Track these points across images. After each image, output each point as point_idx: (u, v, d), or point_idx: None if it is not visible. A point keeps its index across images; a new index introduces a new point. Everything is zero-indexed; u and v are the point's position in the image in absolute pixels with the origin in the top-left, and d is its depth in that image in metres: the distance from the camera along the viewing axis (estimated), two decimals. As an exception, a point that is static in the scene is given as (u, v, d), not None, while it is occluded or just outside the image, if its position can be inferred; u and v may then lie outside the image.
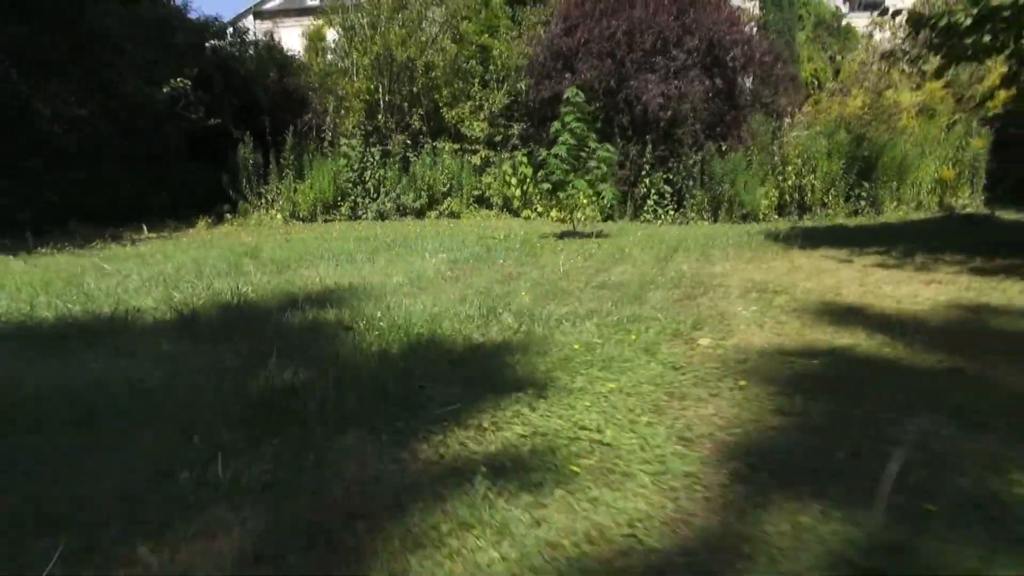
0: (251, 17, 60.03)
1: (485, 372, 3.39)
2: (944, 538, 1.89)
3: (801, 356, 3.63)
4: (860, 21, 27.20)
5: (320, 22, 28.57)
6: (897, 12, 8.27)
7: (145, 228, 13.95)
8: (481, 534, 1.95)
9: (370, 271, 7.36)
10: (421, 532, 1.96)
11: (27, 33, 13.36)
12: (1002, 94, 11.77)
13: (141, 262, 8.23)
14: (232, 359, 3.64)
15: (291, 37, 31.48)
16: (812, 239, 10.23)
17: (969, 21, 6.77)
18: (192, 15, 18.74)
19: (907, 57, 8.90)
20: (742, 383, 3.19)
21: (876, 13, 9.88)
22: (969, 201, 16.65)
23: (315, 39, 24.34)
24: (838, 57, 24.88)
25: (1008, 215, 14.12)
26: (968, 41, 6.90)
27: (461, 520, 2.02)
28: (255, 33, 20.69)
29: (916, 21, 7.76)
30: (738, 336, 4.15)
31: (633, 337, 4.06)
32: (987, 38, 6.86)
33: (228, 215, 16.51)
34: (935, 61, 8.14)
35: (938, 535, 1.91)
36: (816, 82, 26.48)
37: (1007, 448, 2.46)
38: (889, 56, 9.86)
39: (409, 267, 7.53)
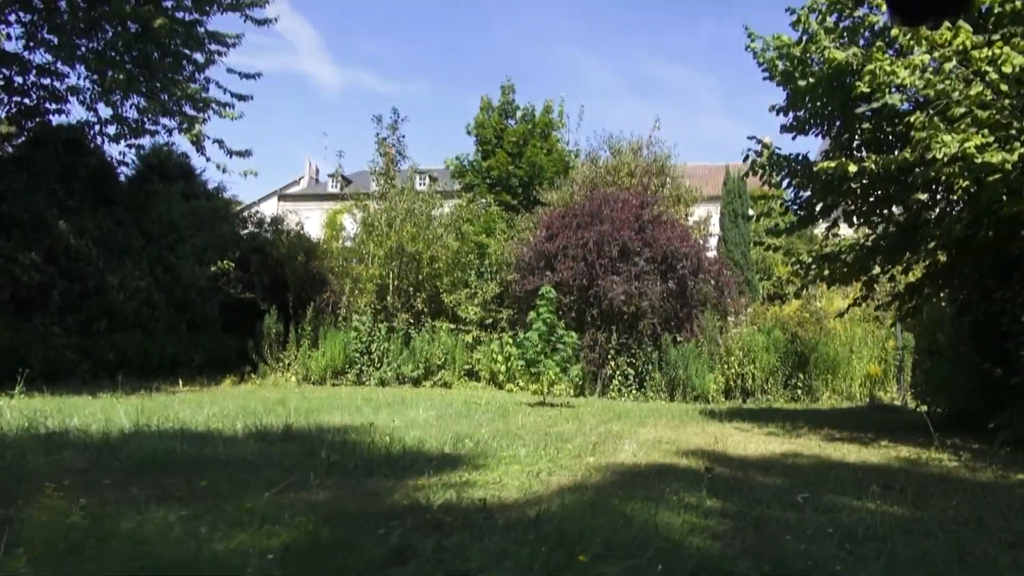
0: (275, 199, 65.82)
1: (449, 462, 5.75)
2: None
3: (638, 466, 5.98)
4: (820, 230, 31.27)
5: (337, 207, 32.61)
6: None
7: (181, 382, 16.38)
8: (434, 496, 4.29)
9: (375, 417, 9.73)
10: (405, 494, 4.29)
11: (110, 224, 16.64)
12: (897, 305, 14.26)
13: (197, 406, 10.61)
14: (297, 450, 6.01)
15: (311, 218, 35.56)
16: (736, 416, 12.58)
17: (810, 259, 9.68)
18: (227, 194, 22.40)
19: (786, 277, 11.74)
20: (592, 473, 5.54)
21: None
22: (897, 394, 19.13)
23: (332, 226, 28.14)
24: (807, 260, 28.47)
25: (922, 407, 16.51)
26: (813, 273, 9.79)
27: (423, 488, 4.36)
28: (287, 220, 24.17)
29: (787, 252, 10.69)
30: (614, 459, 6.50)
31: (544, 454, 6.43)
32: (827, 272, 9.73)
33: (250, 375, 19.00)
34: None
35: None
36: (789, 281, 29.94)
37: (712, 500, 4.78)
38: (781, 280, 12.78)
39: (405, 416, 9.92)
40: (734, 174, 24.88)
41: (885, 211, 10.53)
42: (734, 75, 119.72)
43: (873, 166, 7.88)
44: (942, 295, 11.82)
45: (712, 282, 18.47)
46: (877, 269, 10.67)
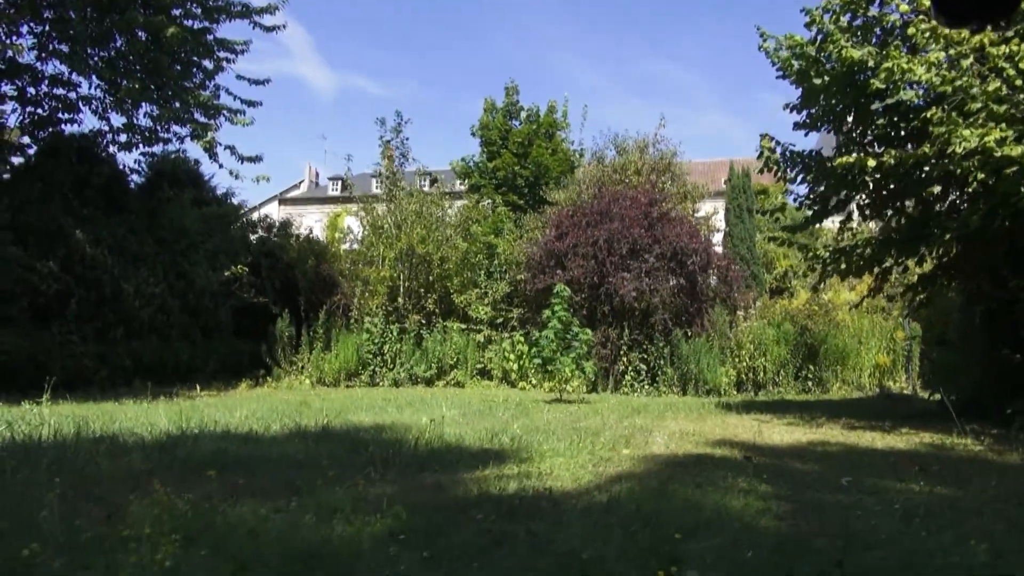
0: (276, 203, 65.89)
1: (493, 456, 5.93)
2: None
3: (676, 456, 6.17)
4: (827, 224, 31.50)
5: (338, 210, 32.66)
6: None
7: (198, 387, 16.53)
8: (498, 487, 4.46)
9: (402, 416, 9.91)
10: (469, 487, 4.46)
11: (124, 232, 16.81)
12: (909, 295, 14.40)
13: (226, 409, 10.75)
14: (341, 449, 6.19)
15: (311, 221, 35.69)
16: (752, 408, 12.75)
17: (827, 254, 9.87)
18: (235, 199, 22.44)
19: (802, 271, 11.96)
20: (635, 463, 5.72)
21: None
22: (906, 384, 19.32)
23: (334, 228, 28.33)
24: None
25: (933, 396, 16.70)
26: (830, 267, 9.98)
27: (483, 480, 4.54)
28: (295, 224, 24.33)
29: (803, 247, 10.88)
30: (648, 450, 6.69)
31: (583, 447, 6.61)
32: (844, 266, 9.92)
33: (264, 379, 19.18)
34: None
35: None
36: (792, 276, 30.13)
37: (759, 483, 4.95)
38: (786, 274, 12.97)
39: (431, 414, 10.08)
40: (738, 170, 25.07)
41: (897, 204, 10.71)
42: (730, 72, 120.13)
43: (892, 160, 8.07)
44: (953, 285, 12.00)
45: (721, 277, 18.66)
46: (891, 261, 10.84)
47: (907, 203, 10.71)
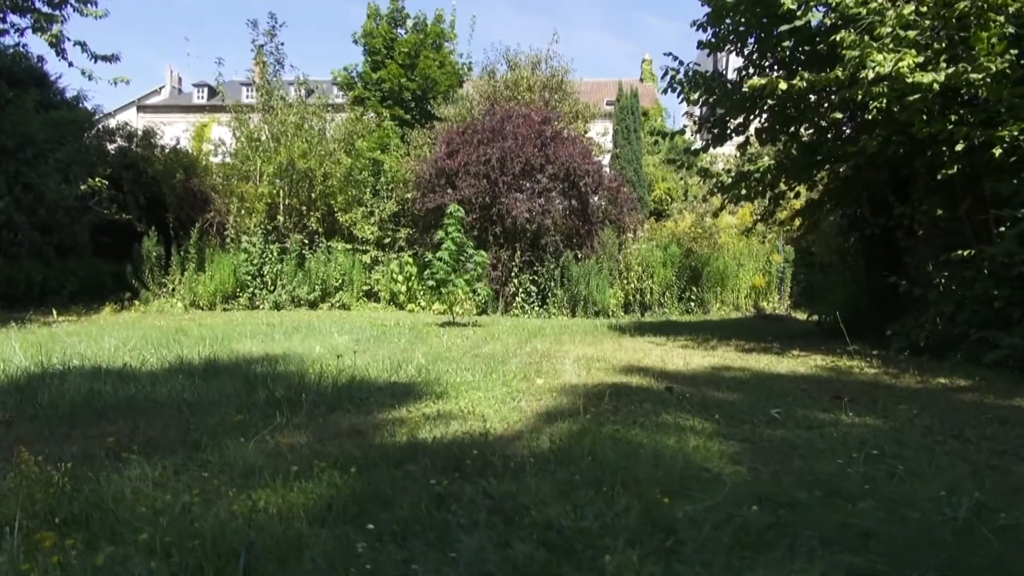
0: (134, 109, 60.50)
1: (404, 392, 5.54)
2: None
3: (594, 387, 5.99)
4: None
5: (205, 119, 30.22)
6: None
7: (55, 312, 15.05)
8: (425, 432, 4.09)
9: (292, 345, 9.27)
10: (392, 432, 4.07)
11: (-46, 135, 14.73)
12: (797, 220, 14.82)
13: (90, 338, 9.72)
14: (234, 386, 5.60)
15: (176, 131, 32.92)
16: (643, 330, 12.91)
17: (729, 180, 9.87)
18: (88, 104, 20.12)
19: (701, 196, 12.06)
20: (556, 396, 5.50)
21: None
22: (778, 304, 20.34)
23: (200, 139, 26.32)
24: (689, 180, 29.36)
25: (802, 315, 17.64)
26: (731, 192, 10.00)
27: (405, 423, 4.16)
28: (160, 134, 22.27)
29: (703, 171, 10.86)
30: (561, 379, 6.49)
31: (496, 378, 6.32)
32: (744, 191, 9.97)
33: (131, 303, 17.76)
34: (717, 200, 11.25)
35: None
36: (669, 199, 30.77)
37: (667, 408, 4.84)
38: (685, 196, 13.03)
39: (324, 342, 9.51)
40: (627, 91, 24.96)
41: (791, 129, 10.80)
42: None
43: (803, 84, 8.00)
44: (836, 211, 12.41)
45: (611, 199, 18.68)
46: (784, 186, 11.02)
47: (801, 130, 10.82)
